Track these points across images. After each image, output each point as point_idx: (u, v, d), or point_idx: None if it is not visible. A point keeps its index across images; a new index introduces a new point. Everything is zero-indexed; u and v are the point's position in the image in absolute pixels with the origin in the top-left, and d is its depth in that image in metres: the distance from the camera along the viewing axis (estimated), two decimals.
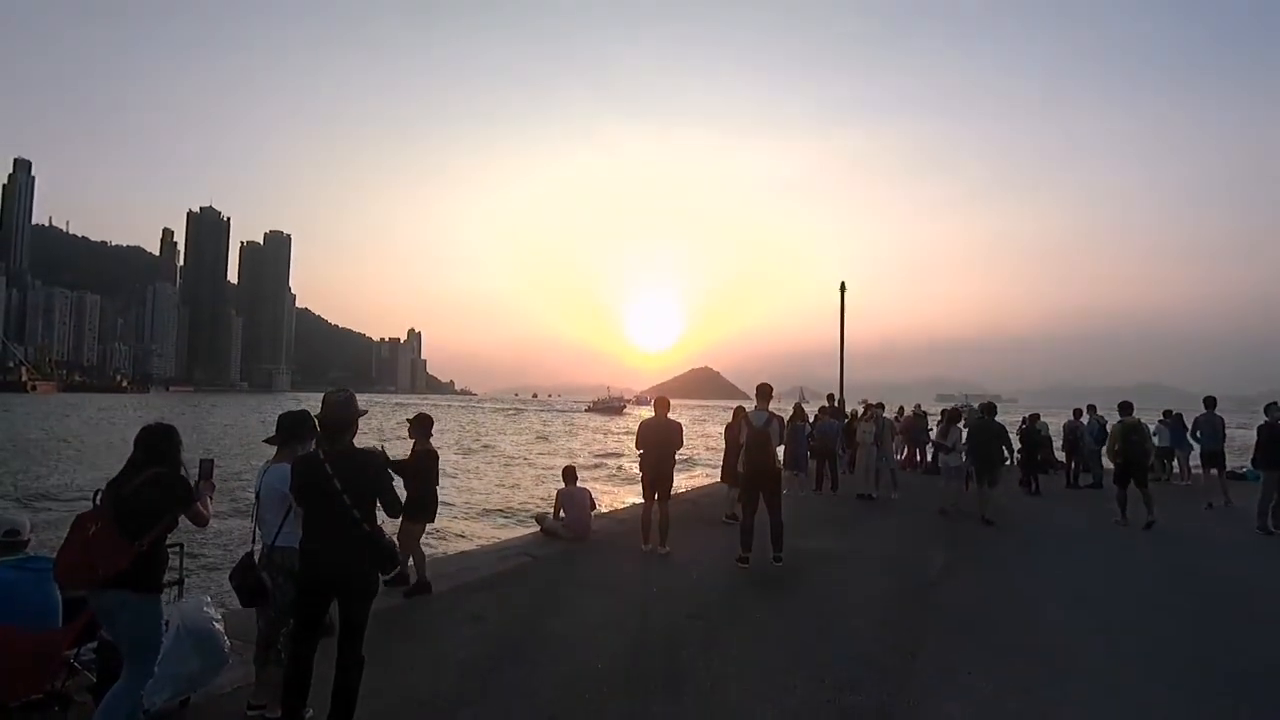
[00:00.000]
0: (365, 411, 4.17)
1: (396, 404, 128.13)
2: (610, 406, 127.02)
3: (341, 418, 3.85)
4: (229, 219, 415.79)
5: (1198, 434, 15.00)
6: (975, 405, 16.68)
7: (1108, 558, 9.56)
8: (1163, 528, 11.53)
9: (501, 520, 19.24)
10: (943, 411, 17.55)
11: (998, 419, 12.94)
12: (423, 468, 7.19)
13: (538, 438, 57.94)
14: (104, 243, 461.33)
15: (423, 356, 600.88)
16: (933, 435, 17.26)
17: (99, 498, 3.79)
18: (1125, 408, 12.79)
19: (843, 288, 24.44)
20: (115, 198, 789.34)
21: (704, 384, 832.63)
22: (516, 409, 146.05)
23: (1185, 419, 19.11)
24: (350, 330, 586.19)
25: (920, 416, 21.23)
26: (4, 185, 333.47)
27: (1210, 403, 15.01)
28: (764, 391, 8.94)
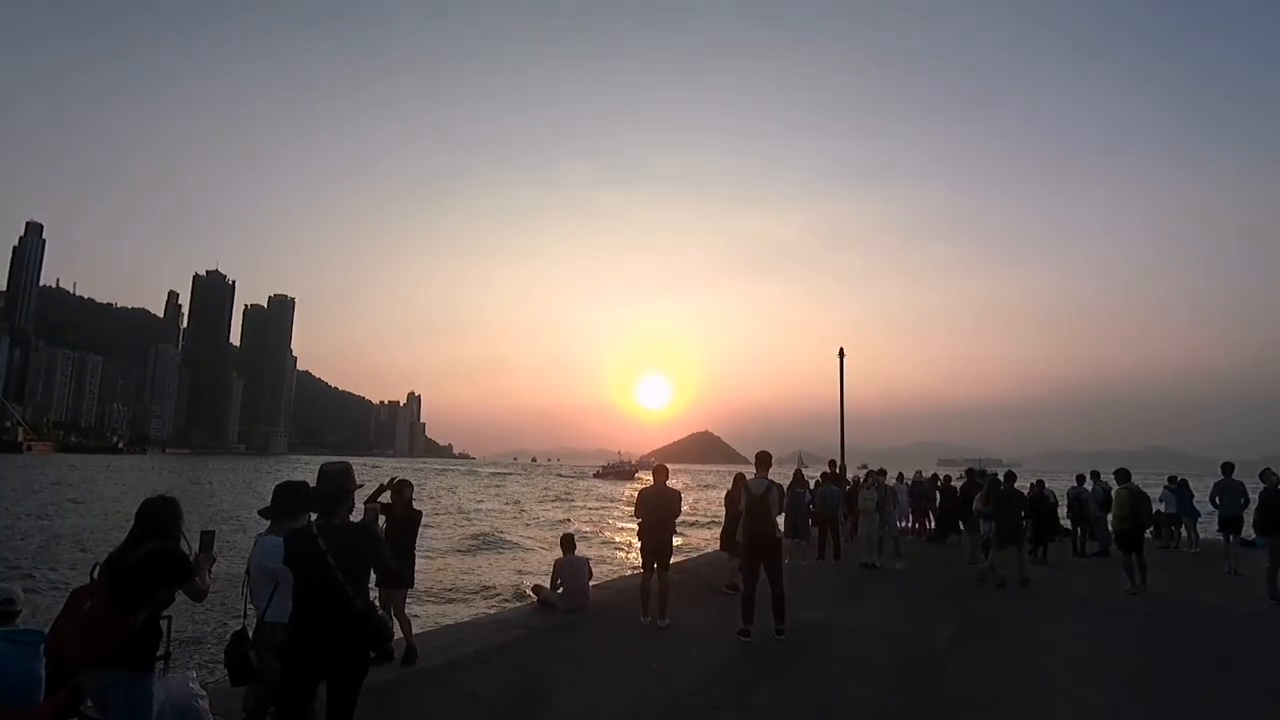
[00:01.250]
0: (362, 485, 4.11)
1: (393, 468, 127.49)
2: (621, 472, 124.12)
3: (338, 489, 3.82)
4: (234, 282, 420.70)
5: (1217, 500, 14.86)
6: (988, 471, 16.76)
7: (1122, 630, 9.32)
8: (1177, 597, 11.31)
9: (498, 592, 18.85)
10: (970, 473, 17.76)
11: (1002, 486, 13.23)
12: (407, 529, 7.16)
13: (556, 501, 57.15)
14: (110, 304, 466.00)
15: (422, 420, 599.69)
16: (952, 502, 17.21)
17: (96, 572, 3.74)
18: (1123, 474, 12.82)
19: (841, 354, 24.57)
20: (124, 260, 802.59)
21: (704, 449, 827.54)
22: (523, 473, 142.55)
23: (1190, 484, 19.01)
24: (350, 393, 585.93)
25: (929, 482, 21.08)
26: (15, 247, 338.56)
27: (1228, 468, 14.92)
28: (763, 459, 8.91)
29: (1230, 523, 14.43)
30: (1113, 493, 13.50)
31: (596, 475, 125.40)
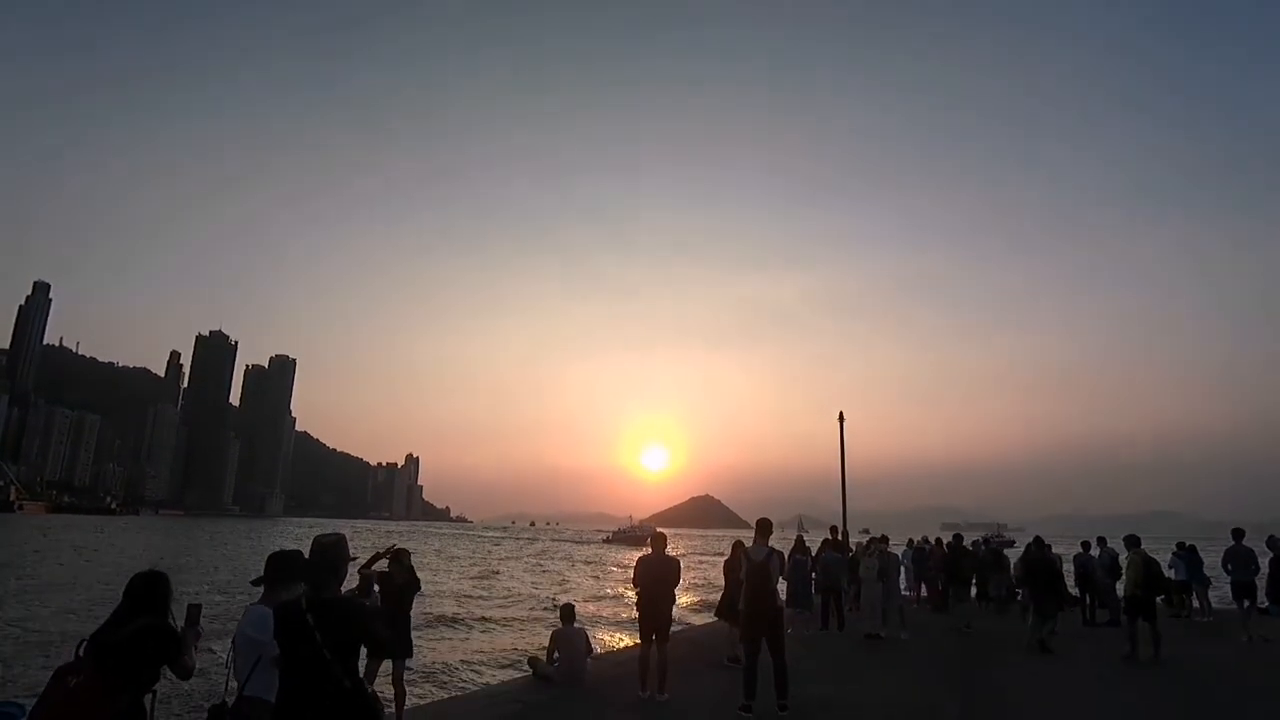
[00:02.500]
0: (356, 557, 4.01)
1: (388, 531, 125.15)
2: (632, 537, 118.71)
3: (330, 561, 3.71)
4: (236, 343, 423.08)
5: (1229, 566, 14.61)
6: (993, 539, 16.60)
7: (1143, 701, 9.01)
8: (1195, 667, 10.99)
9: (491, 664, 18.31)
10: (957, 538, 17.55)
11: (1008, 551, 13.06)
12: (405, 598, 7.01)
13: (560, 567, 55.51)
14: (112, 364, 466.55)
15: (419, 482, 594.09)
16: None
17: (82, 649, 3.60)
18: (1133, 540, 12.67)
19: (841, 418, 24.49)
20: (128, 319, 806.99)
21: (705, 513, 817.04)
22: (527, 539, 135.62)
23: (1198, 550, 18.65)
24: (348, 454, 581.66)
25: (932, 548, 20.74)
26: (21, 306, 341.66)
27: (1238, 534, 14.73)
28: (763, 527, 8.80)
29: (1244, 589, 14.16)
30: (1122, 559, 13.30)
31: (607, 541, 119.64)
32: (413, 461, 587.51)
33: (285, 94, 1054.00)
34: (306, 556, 3.76)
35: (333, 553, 3.68)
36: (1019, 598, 17.57)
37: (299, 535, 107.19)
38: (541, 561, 63.28)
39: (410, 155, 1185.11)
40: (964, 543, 19.24)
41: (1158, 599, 12.51)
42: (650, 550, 9.02)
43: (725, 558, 11.46)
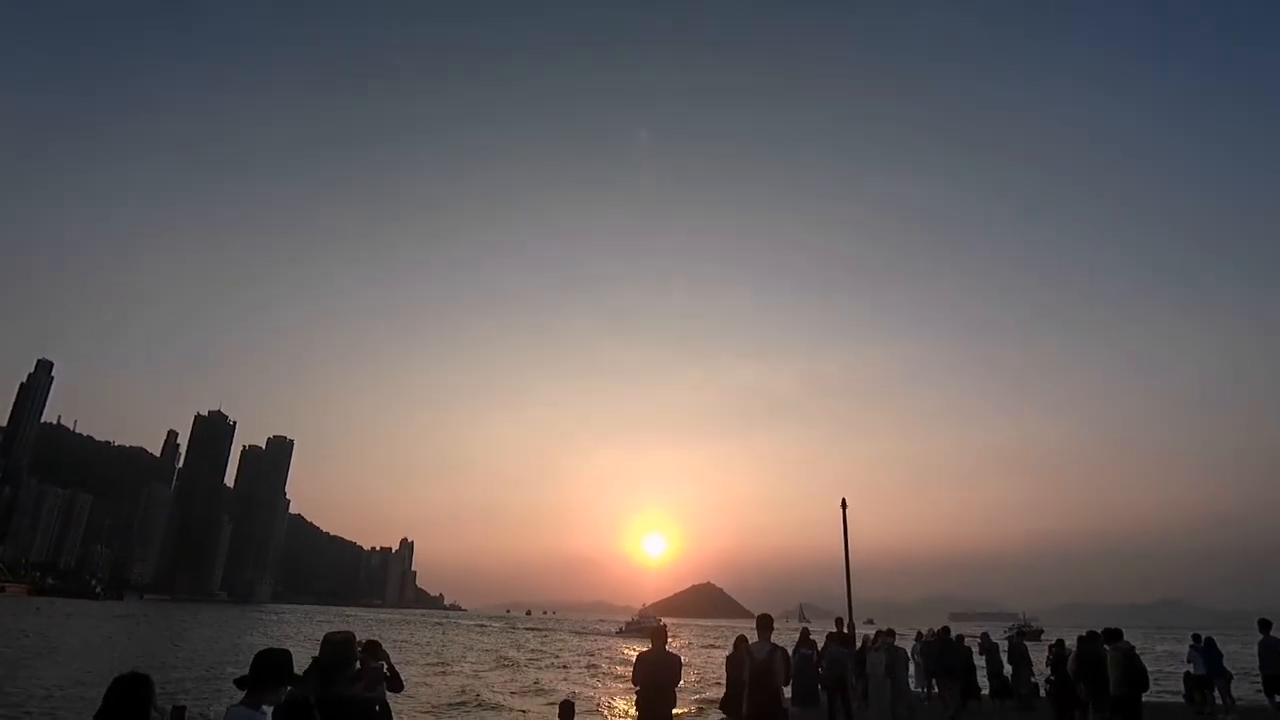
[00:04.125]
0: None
1: (376, 619, 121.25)
2: (648, 628, 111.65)
3: (342, 658, 3.62)
4: (235, 423, 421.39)
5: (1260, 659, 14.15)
6: (1031, 627, 16.06)
7: None
8: None
9: None
10: (985, 636, 16.97)
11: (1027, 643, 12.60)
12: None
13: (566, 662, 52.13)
14: (108, 443, 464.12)
15: (413, 568, 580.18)
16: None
17: None
18: (1113, 634, 12.41)
19: (844, 505, 24.13)
20: (128, 397, 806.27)
21: (705, 601, 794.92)
22: (539, 629, 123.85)
23: (1216, 642, 17.86)
24: (341, 538, 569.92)
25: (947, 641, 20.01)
26: (22, 384, 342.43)
27: (1265, 625, 14.29)
28: (765, 623, 8.63)
29: (1276, 684, 13.63)
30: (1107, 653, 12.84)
31: (620, 633, 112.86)
32: (407, 546, 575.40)
33: (289, 177, 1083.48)
34: (315, 652, 3.70)
35: (344, 650, 3.62)
36: (1047, 693, 16.85)
37: (287, 624, 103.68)
38: (530, 653, 60.92)
39: (411, 241, 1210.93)
40: (952, 634, 18.80)
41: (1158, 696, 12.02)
42: (650, 646, 8.73)
43: (728, 652, 11.11)
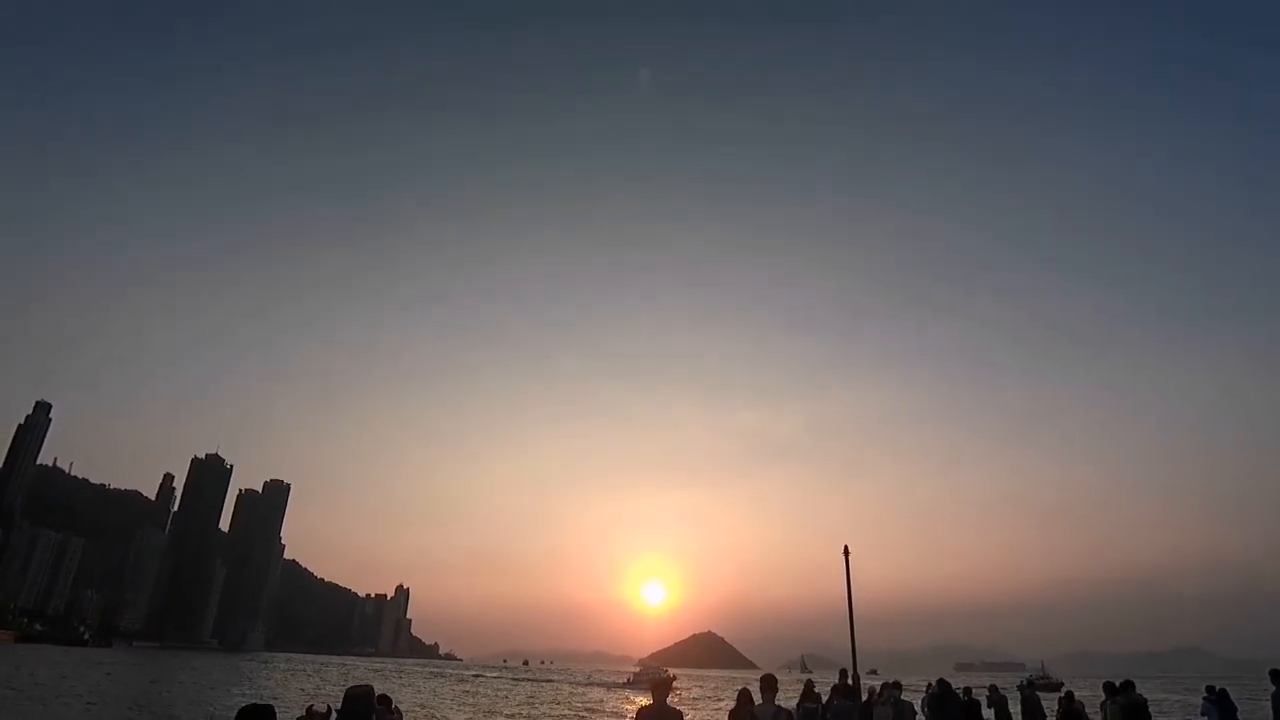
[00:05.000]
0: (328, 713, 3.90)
1: (373, 669, 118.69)
2: (654, 679, 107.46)
3: (362, 713, 3.65)
4: (232, 466, 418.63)
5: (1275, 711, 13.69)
6: (1049, 678, 15.55)
7: None
8: None
9: None
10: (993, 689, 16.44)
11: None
12: None
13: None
14: (103, 485, 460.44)
15: (408, 615, 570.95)
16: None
17: None
18: (1110, 687, 12.13)
19: (846, 552, 23.76)
20: (126, 440, 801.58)
21: (707, 651, 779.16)
22: (538, 679, 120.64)
23: (1230, 694, 17.32)
24: (336, 585, 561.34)
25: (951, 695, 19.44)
26: (20, 425, 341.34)
27: (1277, 676, 13.87)
28: (769, 683, 8.62)
29: None
30: (1104, 705, 12.53)
31: (628, 684, 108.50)
32: (402, 593, 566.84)
33: (285, 220, 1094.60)
34: (306, 702, 3.62)
35: (363, 704, 3.67)
36: None
37: (280, 668, 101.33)
38: (530, 705, 59.31)
39: (410, 282, 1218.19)
40: (956, 686, 18.29)
41: None
42: (651, 701, 8.44)
43: (731, 706, 10.80)
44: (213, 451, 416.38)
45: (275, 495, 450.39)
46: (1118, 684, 12.51)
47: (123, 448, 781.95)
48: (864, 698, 17.36)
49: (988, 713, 18.94)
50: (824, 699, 14.91)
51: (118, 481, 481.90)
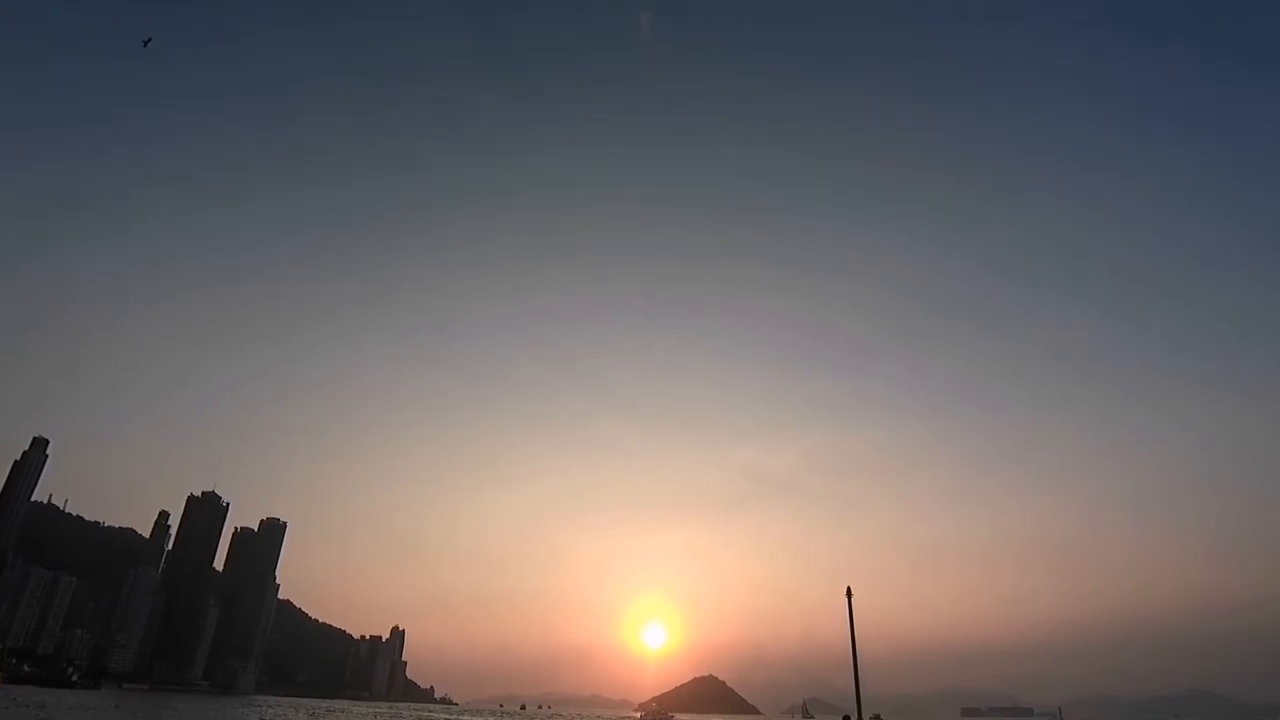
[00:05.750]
0: None
1: (366, 715, 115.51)
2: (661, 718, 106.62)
3: None
4: (228, 504, 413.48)
5: None
6: None
7: None
8: None
9: None
10: None
11: None
12: None
13: None
14: (98, 523, 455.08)
15: (403, 658, 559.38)
16: None
17: None
18: None
19: (849, 593, 22.77)
20: (122, 476, 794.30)
21: (708, 695, 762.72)
22: None
23: None
24: (330, 626, 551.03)
25: None
26: (16, 461, 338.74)
27: None
28: None
29: None
30: None
31: None
32: (397, 635, 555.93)
33: (282, 254, 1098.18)
34: None
35: None
36: None
37: (271, 712, 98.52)
38: None
39: (409, 316, 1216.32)
40: None
41: None
42: None
43: None
44: (209, 489, 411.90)
45: (271, 534, 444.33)
46: None
47: (119, 484, 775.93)
48: None
49: None
50: None
51: (113, 518, 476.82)
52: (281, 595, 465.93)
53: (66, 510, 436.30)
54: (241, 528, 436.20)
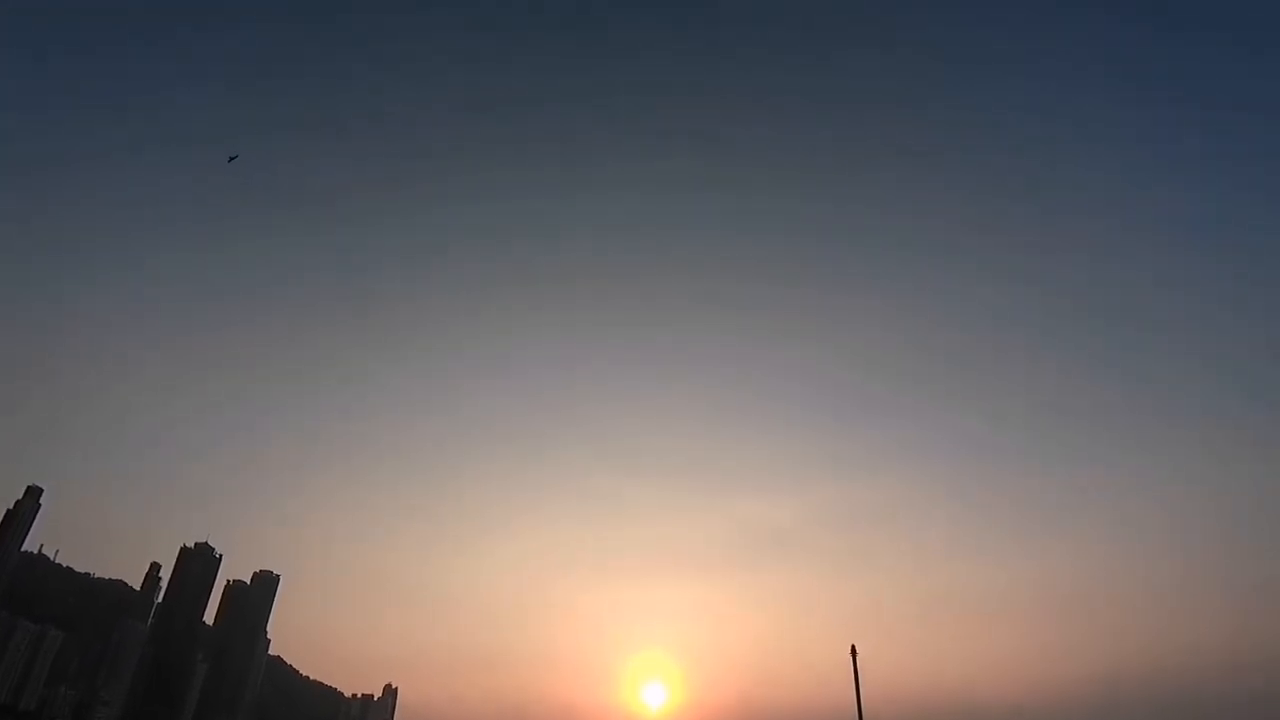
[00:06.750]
0: None
1: None
2: None
3: None
4: (221, 556, 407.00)
5: None
6: None
7: None
8: None
9: None
10: None
11: None
12: None
13: None
14: (88, 574, 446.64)
15: (396, 717, 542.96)
16: None
17: None
18: None
19: (854, 652, 21.97)
20: (115, 526, 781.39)
21: None
22: None
23: None
24: (321, 683, 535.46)
25: None
26: (9, 510, 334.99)
27: None
28: None
29: None
30: None
31: None
32: (391, 693, 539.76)
33: (279, 302, 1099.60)
34: None
35: None
36: None
37: None
38: None
39: (404, 368, 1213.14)
40: None
41: None
42: None
43: None
44: (203, 540, 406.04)
45: (264, 587, 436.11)
46: None
47: (111, 533, 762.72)
48: None
49: None
50: None
51: (104, 570, 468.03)
52: (272, 651, 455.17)
53: (56, 561, 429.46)
54: (234, 580, 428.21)
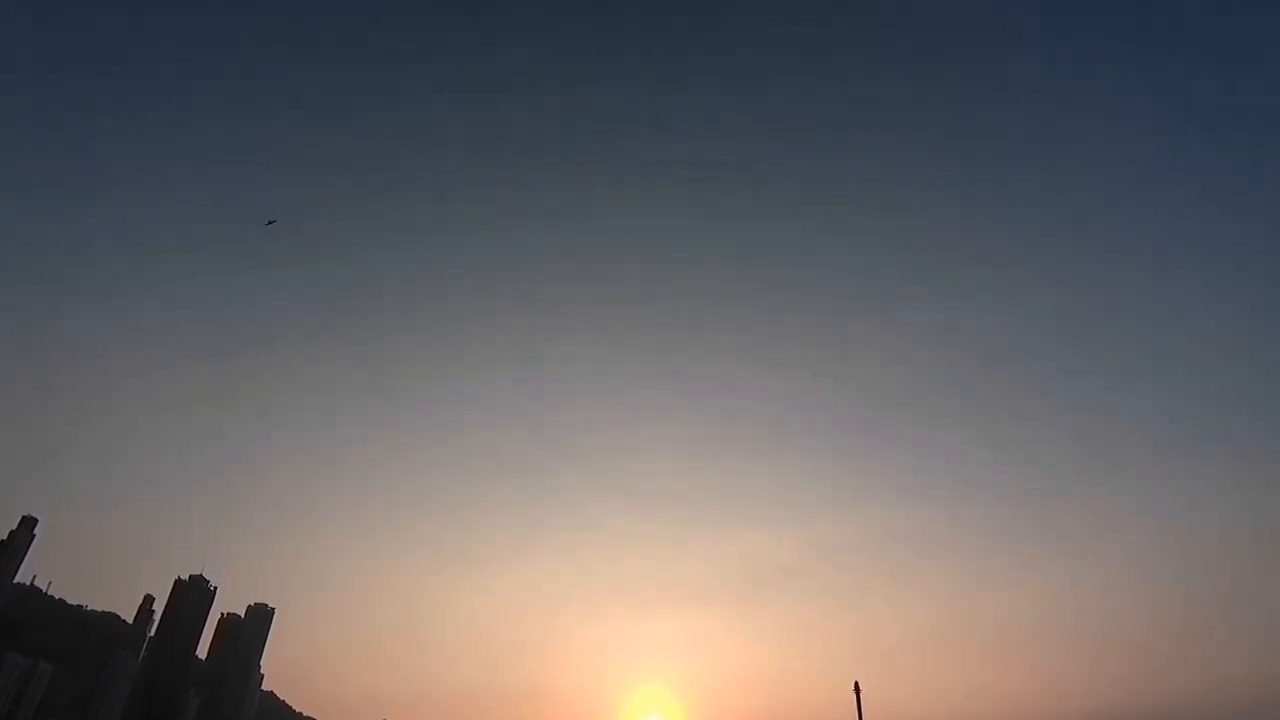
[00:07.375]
0: None
1: None
2: None
3: None
4: (216, 588, 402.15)
5: None
6: None
7: None
8: None
9: None
10: None
11: None
12: None
13: None
14: (80, 606, 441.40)
15: None
16: None
17: None
18: None
19: (857, 689, 21.41)
20: (109, 557, 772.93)
21: None
22: None
23: None
24: (315, 719, 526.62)
25: None
26: (3, 540, 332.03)
27: None
28: None
29: None
30: None
31: None
32: None
33: (277, 330, 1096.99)
34: None
35: None
36: None
37: None
38: None
39: (402, 399, 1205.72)
40: None
41: None
42: None
43: None
44: (197, 572, 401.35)
45: (258, 620, 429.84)
46: None
47: (106, 565, 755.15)
48: None
49: None
50: None
51: (97, 602, 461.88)
52: (266, 685, 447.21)
53: (49, 593, 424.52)
54: (228, 613, 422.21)
